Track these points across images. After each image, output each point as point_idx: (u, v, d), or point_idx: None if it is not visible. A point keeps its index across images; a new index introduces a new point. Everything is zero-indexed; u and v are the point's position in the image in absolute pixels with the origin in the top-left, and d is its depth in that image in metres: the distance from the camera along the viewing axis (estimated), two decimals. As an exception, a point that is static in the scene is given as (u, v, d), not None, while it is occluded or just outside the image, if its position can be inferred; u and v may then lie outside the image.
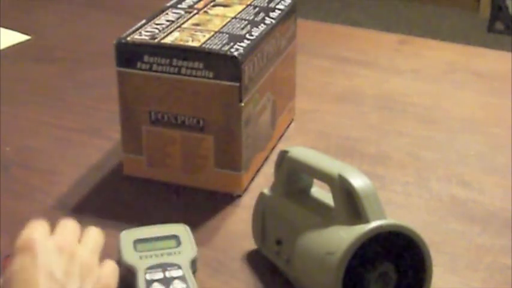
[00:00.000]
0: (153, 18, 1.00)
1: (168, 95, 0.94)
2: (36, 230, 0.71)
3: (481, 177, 1.01)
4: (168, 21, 0.99)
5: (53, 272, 0.68)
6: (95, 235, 0.75)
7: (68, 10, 1.54)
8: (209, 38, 0.94)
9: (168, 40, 0.94)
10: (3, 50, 1.36)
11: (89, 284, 0.69)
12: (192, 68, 0.92)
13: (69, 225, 0.75)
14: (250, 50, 0.93)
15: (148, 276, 0.78)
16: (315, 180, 0.82)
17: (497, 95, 1.22)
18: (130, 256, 0.81)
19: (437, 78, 1.28)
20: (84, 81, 1.26)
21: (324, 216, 0.77)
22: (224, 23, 0.99)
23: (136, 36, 0.95)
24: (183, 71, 0.92)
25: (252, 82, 0.94)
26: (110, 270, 0.73)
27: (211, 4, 1.05)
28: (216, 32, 0.96)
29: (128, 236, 0.85)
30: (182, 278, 0.78)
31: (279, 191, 0.83)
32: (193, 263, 0.82)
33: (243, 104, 0.92)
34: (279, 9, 1.04)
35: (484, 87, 1.25)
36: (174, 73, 0.92)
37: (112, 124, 1.09)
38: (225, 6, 1.04)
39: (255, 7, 1.04)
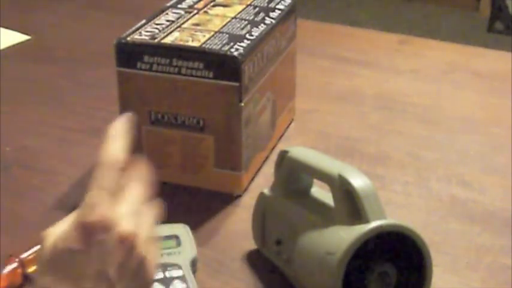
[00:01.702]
0: (153, 18, 1.00)
1: (168, 95, 0.94)
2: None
3: (481, 177, 1.01)
4: (168, 21, 0.99)
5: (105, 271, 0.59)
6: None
7: (68, 10, 1.54)
8: (209, 38, 0.94)
9: (168, 40, 0.94)
10: (3, 50, 1.36)
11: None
12: (192, 68, 0.92)
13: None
14: (250, 50, 0.93)
15: (148, 276, 0.78)
16: (315, 180, 0.82)
17: (497, 95, 1.22)
18: (130, 256, 0.81)
19: (437, 78, 1.28)
20: (84, 81, 1.26)
21: (324, 216, 0.77)
22: (224, 23, 0.99)
23: (136, 36, 0.95)
24: (183, 71, 0.92)
25: (252, 82, 0.94)
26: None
27: (211, 4, 1.05)
28: (216, 32, 0.96)
29: (128, 236, 0.84)
30: (182, 278, 0.78)
31: (279, 191, 0.83)
32: (193, 263, 0.82)
33: (243, 104, 0.92)
34: (279, 9, 1.04)
35: (484, 87, 1.25)
36: (174, 73, 0.92)
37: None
38: (225, 6, 1.04)
39: (255, 7, 1.04)
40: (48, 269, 0.59)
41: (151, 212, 0.63)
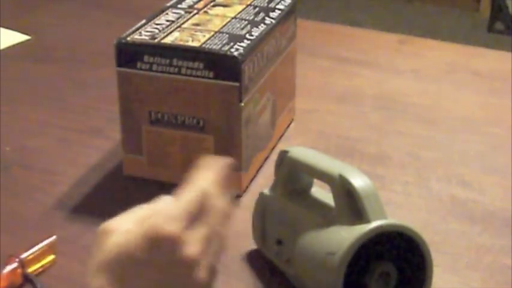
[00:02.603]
0: (153, 18, 1.00)
1: (168, 95, 0.94)
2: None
3: (481, 177, 1.01)
4: (168, 21, 0.99)
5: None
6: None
7: (68, 10, 1.54)
8: (209, 38, 0.94)
9: (168, 40, 0.94)
10: (3, 50, 1.36)
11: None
12: (192, 68, 0.92)
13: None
14: (250, 50, 0.93)
15: (148, 276, 0.78)
16: (315, 180, 0.82)
17: (497, 95, 1.22)
18: (130, 256, 0.81)
19: (437, 78, 1.28)
20: (84, 81, 1.26)
21: (324, 216, 0.76)
22: (224, 23, 0.99)
23: (136, 36, 0.95)
24: (183, 71, 0.92)
25: (252, 82, 0.94)
26: None
27: (211, 4, 1.05)
28: (216, 32, 0.96)
29: (128, 236, 0.84)
30: (182, 278, 0.78)
31: (279, 191, 0.83)
32: (194, 263, 0.82)
33: (243, 104, 0.92)
34: (279, 9, 1.04)
35: (484, 87, 1.25)
36: (174, 73, 0.92)
37: (112, 124, 1.09)
38: (225, 6, 1.04)
39: (255, 7, 1.04)
40: (106, 270, 0.59)
41: (221, 242, 0.63)
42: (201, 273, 0.60)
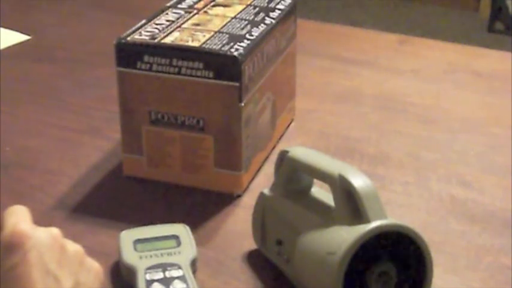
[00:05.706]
0: (153, 18, 1.00)
1: (168, 95, 0.94)
2: (22, 221, 0.65)
3: (481, 177, 1.01)
4: (168, 21, 0.99)
5: (47, 266, 0.63)
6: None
7: (68, 10, 1.54)
8: (209, 38, 0.94)
9: (168, 40, 0.94)
10: (3, 50, 1.36)
11: (83, 273, 0.67)
12: (192, 68, 0.92)
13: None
14: (250, 50, 0.93)
15: (148, 276, 0.78)
16: (315, 180, 0.82)
17: (497, 95, 1.22)
18: (130, 256, 0.81)
19: (437, 78, 1.28)
20: (84, 81, 1.26)
21: (324, 216, 0.77)
22: (224, 23, 0.99)
23: (136, 36, 0.95)
24: (183, 71, 0.92)
25: (252, 82, 0.94)
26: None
27: (211, 4, 1.05)
28: (216, 32, 0.96)
29: (128, 236, 0.85)
30: (182, 278, 0.78)
31: (279, 191, 0.83)
32: (193, 263, 0.82)
33: (243, 104, 0.92)
34: (279, 9, 1.04)
35: (484, 87, 1.25)
36: (174, 73, 0.93)
37: (112, 124, 1.09)
38: (225, 6, 1.04)
39: (255, 7, 1.04)
40: None
41: None
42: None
